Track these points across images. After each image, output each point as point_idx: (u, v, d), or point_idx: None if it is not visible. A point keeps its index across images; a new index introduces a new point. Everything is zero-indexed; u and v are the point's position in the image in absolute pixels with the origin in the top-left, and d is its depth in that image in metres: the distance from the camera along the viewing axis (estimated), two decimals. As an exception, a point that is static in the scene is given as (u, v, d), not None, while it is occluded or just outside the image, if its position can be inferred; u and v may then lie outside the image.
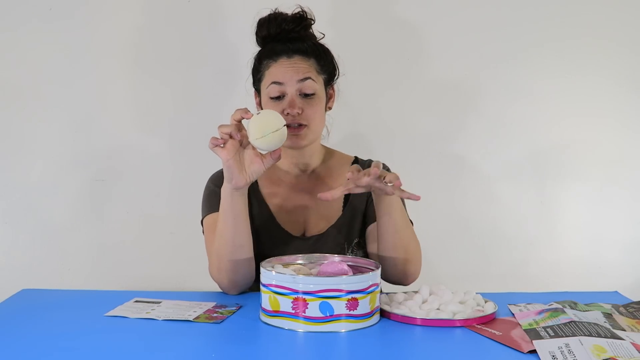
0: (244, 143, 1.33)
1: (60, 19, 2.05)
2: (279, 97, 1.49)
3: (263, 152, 1.34)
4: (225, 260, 1.39)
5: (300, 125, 1.48)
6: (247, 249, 1.40)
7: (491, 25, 2.11)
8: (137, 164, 2.10)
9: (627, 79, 2.14)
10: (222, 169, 1.58)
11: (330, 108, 1.59)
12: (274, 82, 1.49)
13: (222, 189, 1.36)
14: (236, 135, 1.30)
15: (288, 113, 1.47)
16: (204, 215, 1.54)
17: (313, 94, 1.50)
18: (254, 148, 1.33)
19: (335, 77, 1.60)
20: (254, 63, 1.57)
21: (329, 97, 1.58)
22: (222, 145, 1.30)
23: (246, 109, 1.32)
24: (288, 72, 1.48)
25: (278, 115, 1.31)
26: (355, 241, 1.55)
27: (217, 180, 1.55)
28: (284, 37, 1.52)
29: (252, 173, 1.34)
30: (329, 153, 1.64)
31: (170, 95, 2.10)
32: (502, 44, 2.12)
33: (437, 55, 2.12)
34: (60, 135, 2.09)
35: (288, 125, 1.44)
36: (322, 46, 1.57)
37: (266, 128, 1.28)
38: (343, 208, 1.56)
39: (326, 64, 1.55)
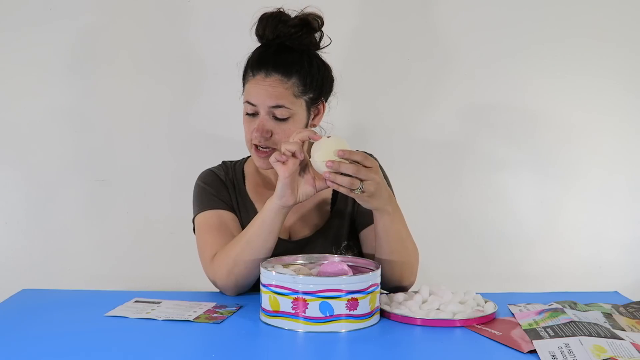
0: (302, 163, 1.32)
1: (60, 19, 2.05)
2: (254, 114, 1.46)
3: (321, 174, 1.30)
4: (242, 265, 1.38)
5: (268, 148, 1.45)
6: (265, 259, 1.37)
7: (491, 24, 2.11)
8: (137, 164, 2.10)
9: (627, 79, 2.14)
10: (210, 168, 1.59)
11: (315, 125, 1.52)
12: (247, 102, 1.46)
13: (269, 203, 1.35)
14: (300, 155, 1.29)
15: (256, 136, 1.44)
16: (196, 213, 1.53)
17: (287, 118, 1.44)
18: (310, 170, 1.33)
19: (328, 92, 1.52)
20: (244, 66, 1.50)
21: (316, 114, 1.50)
22: (283, 162, 1.30)
23: (314, 130, 1.32)
24: (261, 94, 1.43)
25: (346, 143, 1.28)
26: (344, 244, 1.53)
27: (205, 178, 1.56)
28: (276, 43, 1.45)
29: (303, 194, 1.34)
30: None
31: (170, 96, 2.10)
32: (502, 43, 2.11)
33: (437, 55, 2.12)
34: (60, 135, 2.09)
35: (257, 147, 1.44)
36: (316, 58, 1.49)
37: (333, 153, 1.26)
38: (330, 213, 1.54)
39: (315, 81, 1.46)
